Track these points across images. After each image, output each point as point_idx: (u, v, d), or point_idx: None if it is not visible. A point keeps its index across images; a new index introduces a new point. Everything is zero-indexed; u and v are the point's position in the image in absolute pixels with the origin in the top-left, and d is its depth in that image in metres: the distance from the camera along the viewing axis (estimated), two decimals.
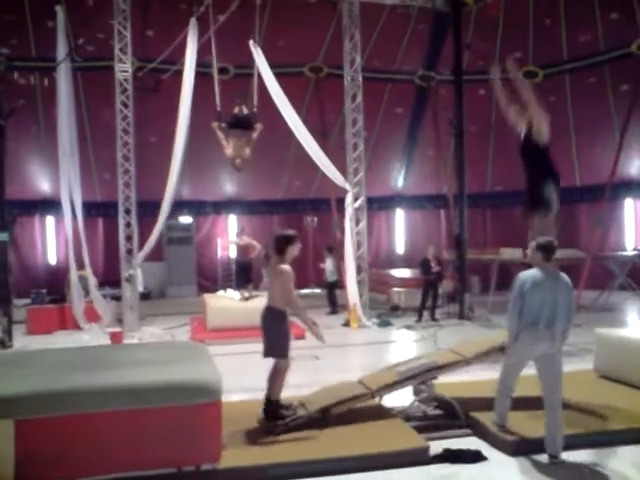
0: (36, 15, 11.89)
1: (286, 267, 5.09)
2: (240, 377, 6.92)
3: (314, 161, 11.07)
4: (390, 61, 14.25)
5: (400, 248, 17.55)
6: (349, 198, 11.36)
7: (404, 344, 10.10)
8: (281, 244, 5.17)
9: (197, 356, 4.92)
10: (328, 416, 5.12)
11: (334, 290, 12.95)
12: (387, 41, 13.69)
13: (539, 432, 4.59)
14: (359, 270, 11.56)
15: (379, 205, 16.25)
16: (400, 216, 17.61)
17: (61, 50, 10.43)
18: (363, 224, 11.67)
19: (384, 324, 11.33)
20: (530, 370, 4.80)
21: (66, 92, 10.55)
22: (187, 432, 4.05)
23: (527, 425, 4.86)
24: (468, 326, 11.22)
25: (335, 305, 12.90)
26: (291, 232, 5.34)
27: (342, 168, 11.50)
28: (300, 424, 5.04)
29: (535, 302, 4.55)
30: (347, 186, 11.32)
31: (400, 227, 17.67)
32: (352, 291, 11.25)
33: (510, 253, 12.03)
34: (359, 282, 11.46)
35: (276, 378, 5.10)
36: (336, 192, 12.18)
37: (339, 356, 9.06)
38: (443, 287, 12.76)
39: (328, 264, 12.88)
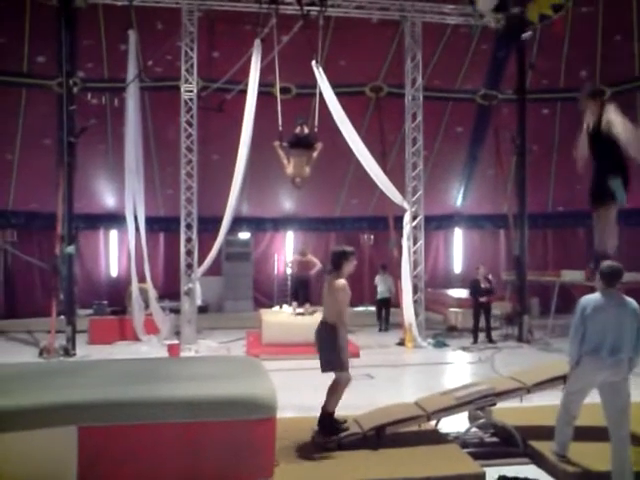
0: (110, 39, 12.40)
1: (341, 282, 5.11)
2: (294, 394, 6.94)
3: (373, 179, 11.12)
4: (451, 80, 14.16)
5: (458, 268, 17.29)
6: (407, 217, 11.31)
7: (460, 366, 9.93)
8: (337, 259, 5.20)
9: (253, 371, 4.96)
10: (382, 436, 5.08)
11: (383, 307, 13.32)
12: (449, 60, 13.62)
13: (604, 465, 4.38)
14: (415, 289, 11.47)
15: (437, 224, 16.08)
16: (458, 235, 17.37)
17: (131, 71, 10.87)
18: (421, 243, 11.59)
19: (440, 345, 11.18)
20: (597, 398, 4.62)
21: (134, 111, 10.96)
22: (241, 447, 4.08)
23: (591, 457, 4.66)
24: (526, 349, 10.94)
25: (384, 322, 13.24)
26: (348, 248, 5.37)
27: (401, 187, 11.49)
28: (353, 442, 5.02)
29: (597, 328, 4.40)
30: (405, 205, 11.29)
31: (458, 246, 17.42)
32: (408, 310, 11.16)
33: (571, 275, 11.71)
34: (415, 301, 11.36)
35: (334, 391, 5.10)
36: (394, 210, 12.14)
37: (394, 376, 9.00)
38: (501, 308, 12.54)
39: (379, 281, 13.23)
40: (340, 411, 5.23)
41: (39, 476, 3.84)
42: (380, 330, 13.18)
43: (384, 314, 13.36)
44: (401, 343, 11.17)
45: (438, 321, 13.45)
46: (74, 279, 11.03)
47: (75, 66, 11.57)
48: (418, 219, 11.51)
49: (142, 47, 11.66)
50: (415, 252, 11.52)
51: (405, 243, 11.31)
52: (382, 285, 13.23)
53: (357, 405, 5.83)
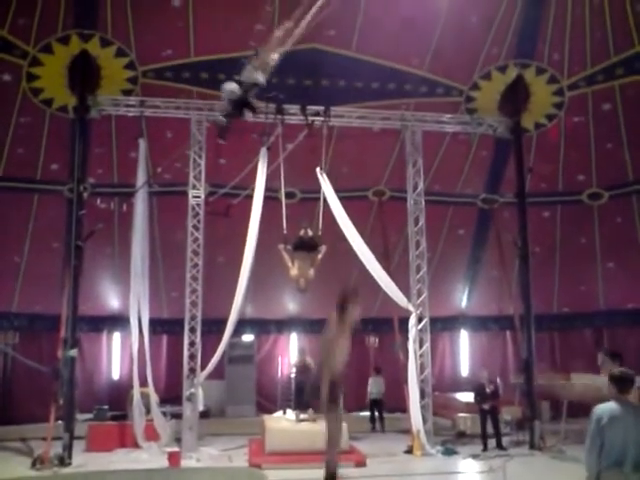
0: (121, 147, 12.91)
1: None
2: None
3: (376, 281, 11.17)
4: (452, 185, 14.53)
5: (465, 370, 16.97)
6: (412, 319, 11.25)
7: (471, 476, 9.53)
8: (343, 301, 5.15)
9: None
10: None
11: (376, 408, 13.85)
12: (449, 166, 14.03)
13: None
14: (422, 394, 11.20)
15: (442, 326, 15.97)
16: (464, 337, 17.18)
17: (141, 178, 11.22)
18: (427, 346, 11.45)
19: (449, 452, 10.77)
20: None
21: (142, 216, 11.22)
22: None
23: None
24: (539, 457, 10.52)
25: (379, 423, 13.70)
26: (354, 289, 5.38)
27: (405, 287, 11.51)
28: None
29: (617, 440, 4.18)
30: (410, 307, 11.26)
31: (464, 348, 17.18)
32: (415, 416, 10.83)
33: (582, 378, 11.46)
34: (423, 407, 11.06)
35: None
36: (399, 312, 12.10)
37: None
38: (511, 413, 12.19)
39: (372, 383, 14.09)
40: None
41: None
42: (373, 430, 13.51)
43: (377, 415, 13.78)
44: (409, 451, 10.76)
45: (447, 426, 13.03)
46: (75, 383, 10.82)
47: (86, 172, 11.94)
48: (424, 322, 11.44)
49: (152, 154, 12.10)
50: (421, 355, 11.35)
51: (411, 346, 11.17)
52: (374, 387, 14.04)
53: None
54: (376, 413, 13.89)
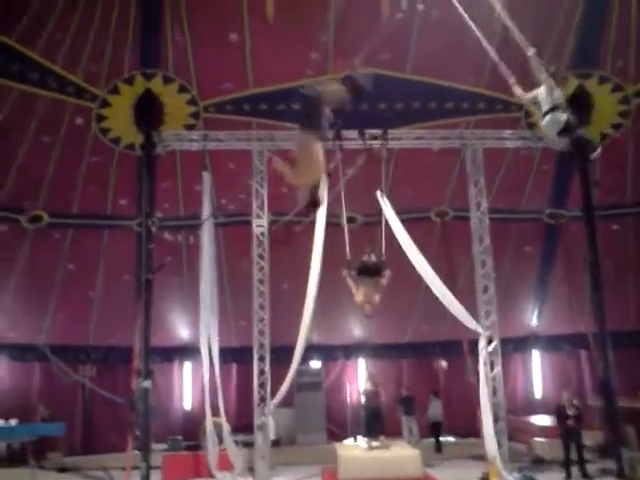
0: (186, 181, 13.30)
1: None
2: None
3: (443, 304, 11.00)
4: (516, 201, 14.25)
5: (538, 392, 16.41)
6: (482, 342, 10.99)
7: None
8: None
9: None
10: None
11: (435, 431, 14.18)
12: (511, 182, 13.78)
13: None
14: (496, 418, 10.87)
15: (513, 347, 15.54)
16: (536, 358, 16.65)
17: (206, 210, 11.50)
18: (498, 369, 11.14)
19: None
20: None
21: (209, 247, 11.47)
22: None
23: None
24: None
25: (436, 443, 13.99)
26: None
27: (472, 308, 11.28)
28: None
29: None
30: (479, 329, 11.01)
31: (537, 369, 16.63)
32: (490, 442, 10.47)
33: None
34: (497, 431, 10.72)
35: None
36: (467, 334, 11.86)
37: None
38: (592, 438, 11.66)
39: (431, 407, 14.34)
40: None
41: None
42: (436, 451, 13.73)
43: (436, 436, 14.11)
44: (485, 478, 10.43)
45: (522, 451, 12.58)
46: (150, 414, 11.06)
47: (154, 207, 12.33)
48: (494, 344, 11.16)
49: (216, 186, 12.39)
50: (493, 378, 11.05)
51: (482, 369, 10.89)
52: (433, 410, 14.34)
53: None
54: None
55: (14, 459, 13.31)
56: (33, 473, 9.56)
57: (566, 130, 6.85)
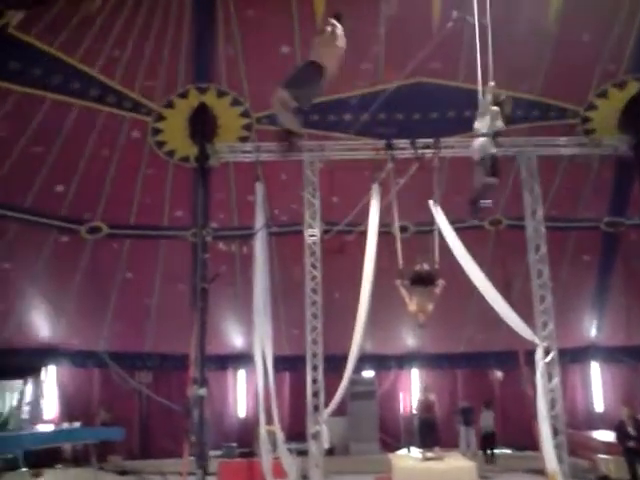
0: (239, 192, 13.53)
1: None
2: None
3: (497, 314, 10.80)
4: (572, 209, 13.92)
5: (599, 406, 15.92)
6: (539, 352, 10.72)
7: None
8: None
9: None
10: None
11: (486, 442, 14.08)
12: (567, 190, 13.50)
13: None
14: (555, 432, 10.58)
15: (572, 358, 15.12)
16: (596, 369, 16.16)
17: (259, 220, 11.65)
18: (557, 380, 10.87)
19: None
20: None
21: (262, 256, 11.60)
22: None
23: None
24: None
25: (490, 455, 13.85)
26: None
27: (528, 318, 11.03)
28: None
29: None
30: (536, 340, 10.76)
31: (597, 382, 16.14)
32: (549, 456, 10.13)
33: None
34: (557, 445, 10.42)
35: None
36: (524, 345, 11.62)
37: None
38: None
39: (483, 417, 14.22)
40: None
41: None
42: (487, 463, 13.51)
43: (489, 447, 14.03)
44: None
45: (584, 468, 12.15)
46: (205, 421, 11.24)
47: (208, 217, 12.58)
48: (551, 355, 10.88)
49: (268, 197, 12.54)
50: (551, 390, 10.78)
51: (539, 380, 10.63)
52: (485, 420, 14.17)
53: None
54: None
55: (77, 460, 13.99)
56: (95, 474, 9.83)
57: (487, 161, 7.20)
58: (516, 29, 11.16)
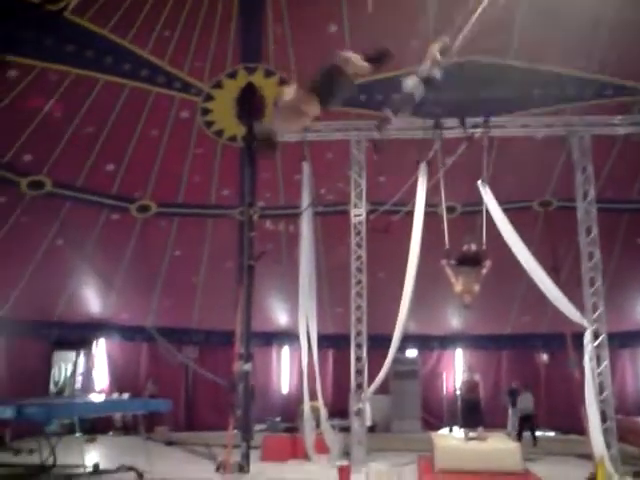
0: (285, 171, 13.61)
1: None
2: None
3: (545, 296, 10.66)
4: (626, 190, 13.55)
5: None
6: (588, 336, 10.55)
7: None
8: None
9: None
10: None
11: (525, 424, 13.66)
12: (622, 170, 13.12)
13: None
14: (604, 417, 10.40)
15: (621, 342, 14.83)
16: None
17: (305, 199, 11.71)
18: (606, 364, 10.67)
19: None
20: None
21: (308, 235, 11.68)
22: None
23: None
24: None
25: (531, 437, 13.41)
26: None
27: (577, 302, 10.85)
28: None
29: None
30: (585, 323, 10.58)
31: None
32: (597, 441, 9.99)
33: None
34: (605, 430, 10.26)
35: None
36: (571, 327, 11.44)
37: None
38: None
39: (520, 399, 13.85)
40: None
41: None
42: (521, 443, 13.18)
43: (528, 429, 13.64)
44: (592, 478, 10.01)
45: (634, 454, 11.91)
46: (250, 396, 11.47)
47: (255, 196, 12.71)
48: (601, 338, 10.69)
49: (315, 176, 12.58)
50: (600, 374, 10.60)
51: (587, 364, 10.46)
52: (524, 403, 13.79)
53: None
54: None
55: (127, 429, 14.69)
56: (144, 443, 10.22)
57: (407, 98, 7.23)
58: (572, 4, 10.82)
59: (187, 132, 13.32)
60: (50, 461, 10.17)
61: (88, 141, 12.86)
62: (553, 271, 11.57)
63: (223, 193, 14.18)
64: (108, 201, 13.96)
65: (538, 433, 13.86)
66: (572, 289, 11.17)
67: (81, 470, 9.74)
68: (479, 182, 10.83)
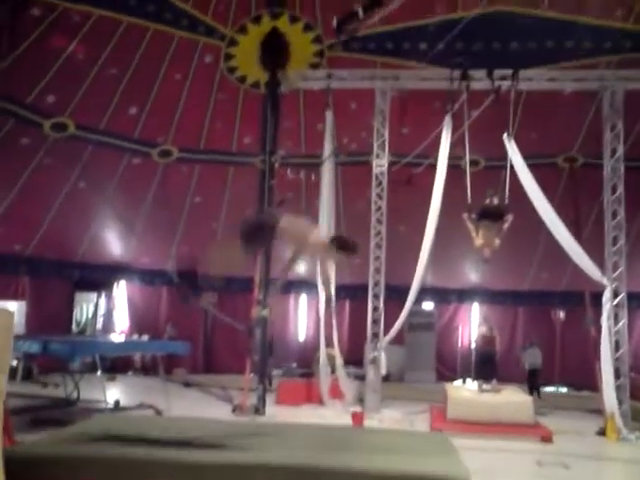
0: (308, 120, 13.49)
1: None
2: (486, 477, 6.61)
3: (565, 253, 10.59)
4: None
5: None
6: (607, 294, 10.52)
7: None
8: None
9: (444, 449, 4.85)
10: None
11: (532, 378, 13.32)
12: None
13: None
14: (617, 374, 10.48)
15: (639, 302, 14.75)
16: None
17: (327, 148, 11.63)
18: (623, 323, 10.66)
19: None
20: None
21: (329, 185, 11.66)
22: None
23: None
24: None
25: (535, 391, 13.07)
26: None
27: (598, 260, 10.77)
28: None
29: None
30: (605, 281, 10.54)
31: None
32: (609, 397, 10.13)
33: None
34: (618, 387, 10.35)
35: None
36: (590, 286, 11.40)
37: (595, 470, 8.20)
38: None
39: (530, 354, 13.44)
40: None
41: None
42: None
43: (534, 384, 13.38)
44: (601, 432, 10.17)
45: None
46: (267, 341, 11.67)
47: (276, 144, 12.63)
48: (620, 297, 10.65)
49: (337, 126, 12.45)
50: (617, 332, 10.62)
51: (605, 322, 10.47)
52: (531, 358, 13.46)
53: None
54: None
55: (146, 369, 15.03)
56: (163, 384, 10.53)
57: None
58: None
59: (210, 77, 13.19)
60: (74, 395, 10.61)
61: (111, 83, 12.78)
62: (575, 228, 11.48)
63: (245, 140, 14.11)
64: (130, 145, 13.96)
65: (551, 389, 14.00)
66: (592, 249, 11.09)
67: (103, 405, 10.08)
68: (504, 136, 10.66)
